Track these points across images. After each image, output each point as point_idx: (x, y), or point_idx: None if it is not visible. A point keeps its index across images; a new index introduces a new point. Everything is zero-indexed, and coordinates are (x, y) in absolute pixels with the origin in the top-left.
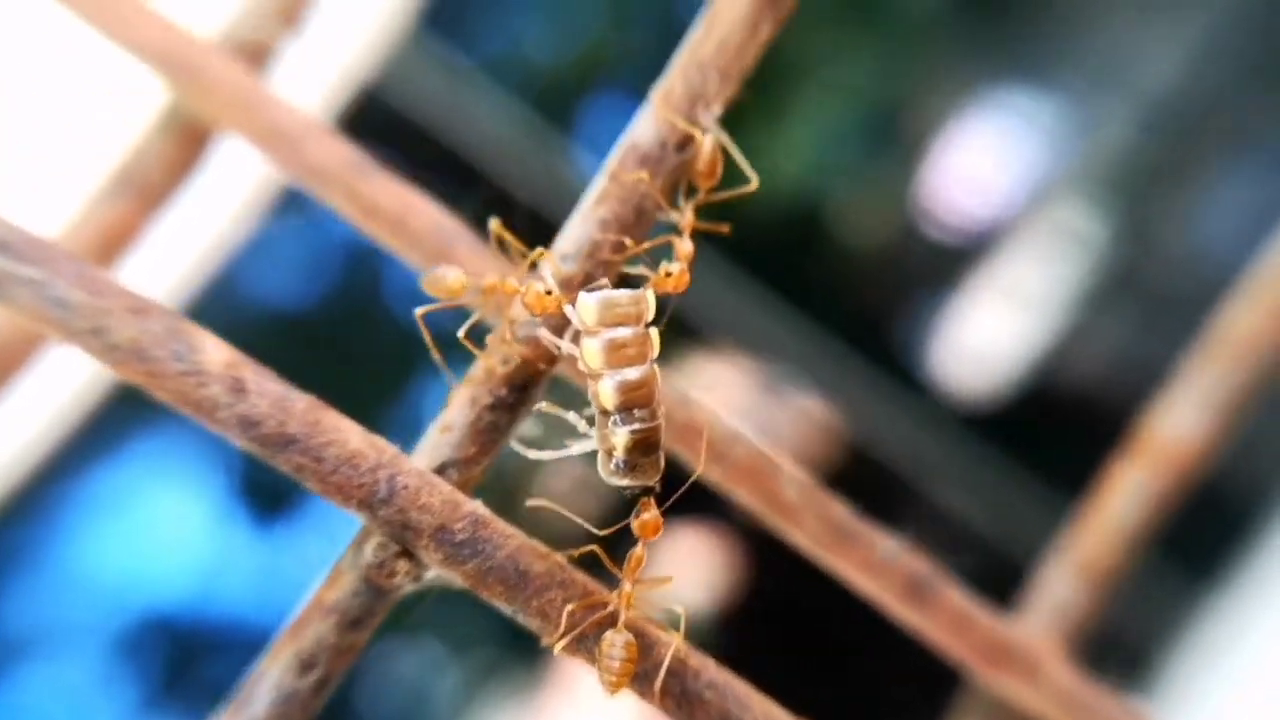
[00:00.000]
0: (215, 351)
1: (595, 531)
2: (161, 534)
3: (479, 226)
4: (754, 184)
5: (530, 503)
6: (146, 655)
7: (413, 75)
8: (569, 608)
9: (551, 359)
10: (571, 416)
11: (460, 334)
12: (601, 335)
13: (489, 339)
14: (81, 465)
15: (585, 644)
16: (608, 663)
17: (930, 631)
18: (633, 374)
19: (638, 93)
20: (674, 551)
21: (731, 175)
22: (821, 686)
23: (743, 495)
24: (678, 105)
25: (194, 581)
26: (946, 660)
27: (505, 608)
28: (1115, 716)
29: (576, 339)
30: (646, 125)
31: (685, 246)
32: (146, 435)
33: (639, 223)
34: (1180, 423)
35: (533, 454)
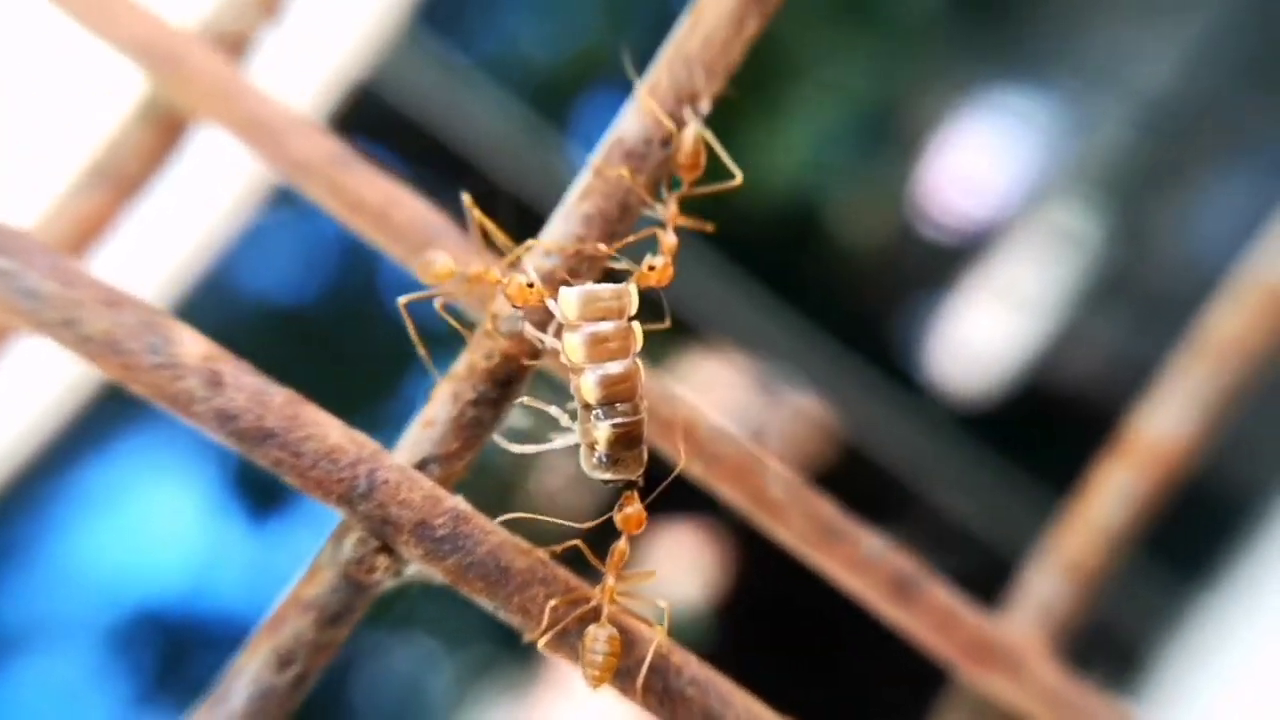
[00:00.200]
0: (191, 344)
1: (577, 527)
2: (154, 529)
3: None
4: (738, 179)
5: (503, 518)
6: (139, 650)
7: (409, 72)
8: (551, 603)
9: (535, 354)
10: (554, 410)
11: (438, 306)
12: (583, 329)
13: (473, 335)
14: (74, 459)
15: (568, 640)
16: (590, 657)
17: (915, 629)
18: (615, 368)
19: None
20: (663, 548)
21: (722, 172)
22: (809, 683)
23: (728, 492)
24: (663, 100)
25: (187, 577)
26: (932, 658)
27: (486, 604)
28: (1099, 714)
29: (559, 333)
30: (632, 121)
31: (669, 240)
32: (139, 429)
33: (623, 218)
34: (1166, 423)
35: (515, 448)
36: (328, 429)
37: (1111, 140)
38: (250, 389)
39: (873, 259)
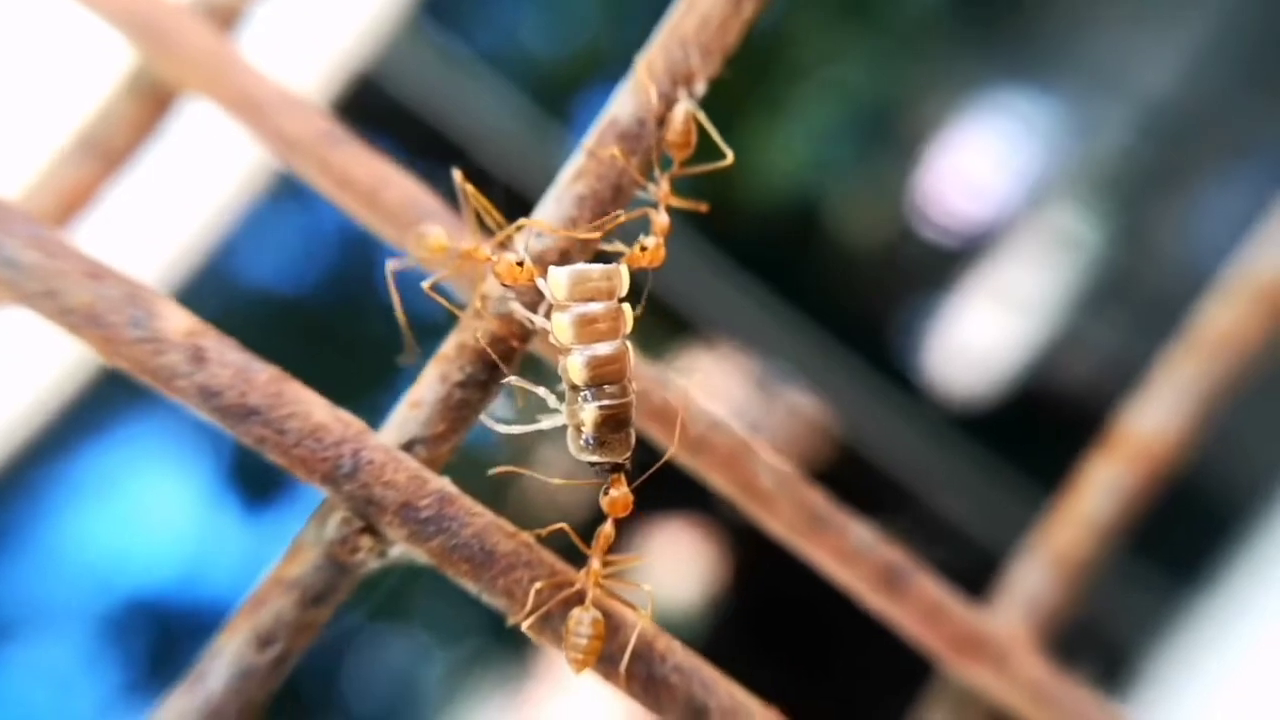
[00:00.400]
0: (175, 319)
1: (557, 482)
2: (149, 517)
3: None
4: (729, 158)
5: (493, 470)
6: (131, 638)
7: (410, 63)
8: (536, 586)
9: (524, 336)
10: (542, 391)
11: (426, 287)
12: (572, 309)
13: (462, 315)
14: (70, 445)
15: (552, 624)
16: (574, 640)
17: (902, 620)
18: (604, 349)
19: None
20: (658, 544)
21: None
22: (802, 677)
23: (719, 481)
24: (658, 81)
25: (180, 566)
26: (920, 649)
27: (471, 586)
28: (1082, 707)
29: (549, 313)
30: (626, 102)
31: (661, 219)
32: (138, 417)
33: (616, 199)
34: (1155, 420)
35: (502, 429)
36: (312, 407)
37: (1111, 144)
38: (234, 365)
39: (872, 258)
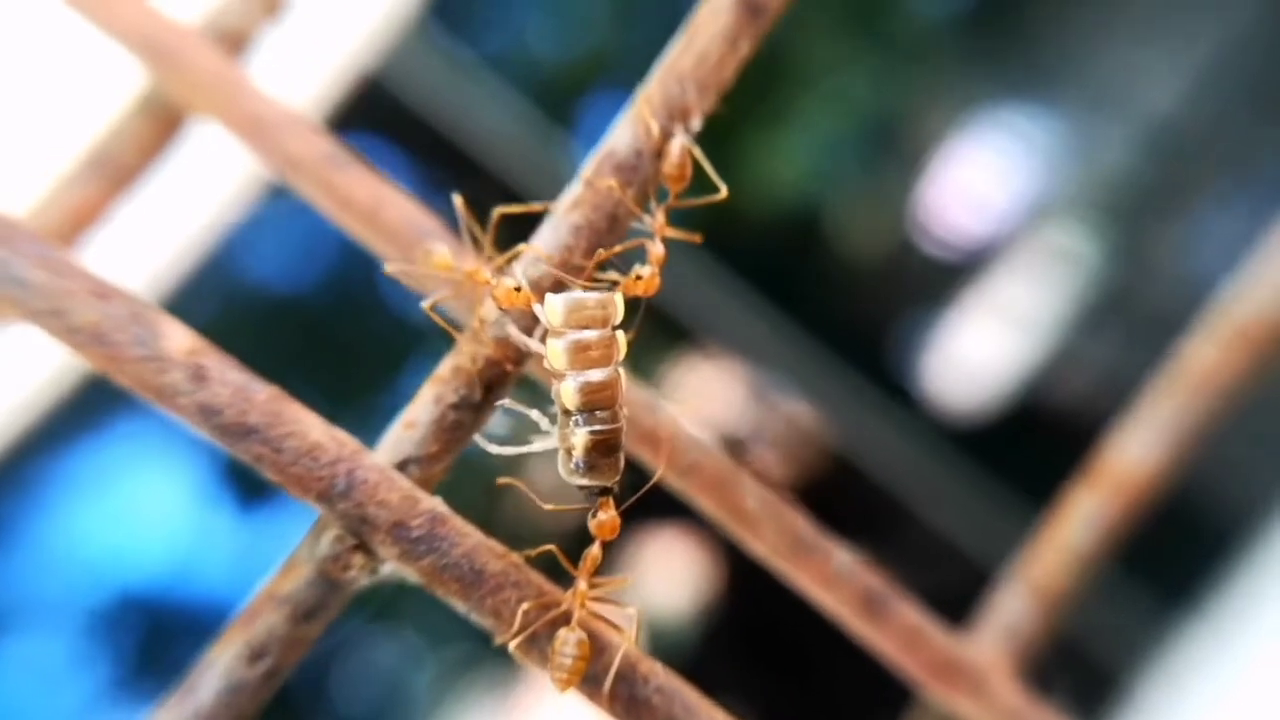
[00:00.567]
0: (178, 338)
1: (547, 508)
2: (142, 514)
3: (479, 220)
4: (723, 193)
5: (501, 481)
6: (120, 634)
7: (417, 66)
8: (524, 606)
9: (519, 360)
10: (534, 414)
11: (426, 307)
12: (567, 336)
13: (459, 336)
14: (65, 441)
15: (538, 644)
16: (560, 660)
17: (882, 645)
18: (596, 376)
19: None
20: (649, 556)
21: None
22: (790, 689)
23: (705, 503)
24: (655, 115)
25: (172, 563)
26: (899, 675)
27: (460, 605)
28: None
29: (544, 338)
30: (623, 135)
31: (657, 250)
32: (133, 414)
33: (612, 229)
34: (1136, 453)
35: (495, 449)
36: (309, 427)
37: (1113, 163)
38: (234, 384)
39: (871, 271)
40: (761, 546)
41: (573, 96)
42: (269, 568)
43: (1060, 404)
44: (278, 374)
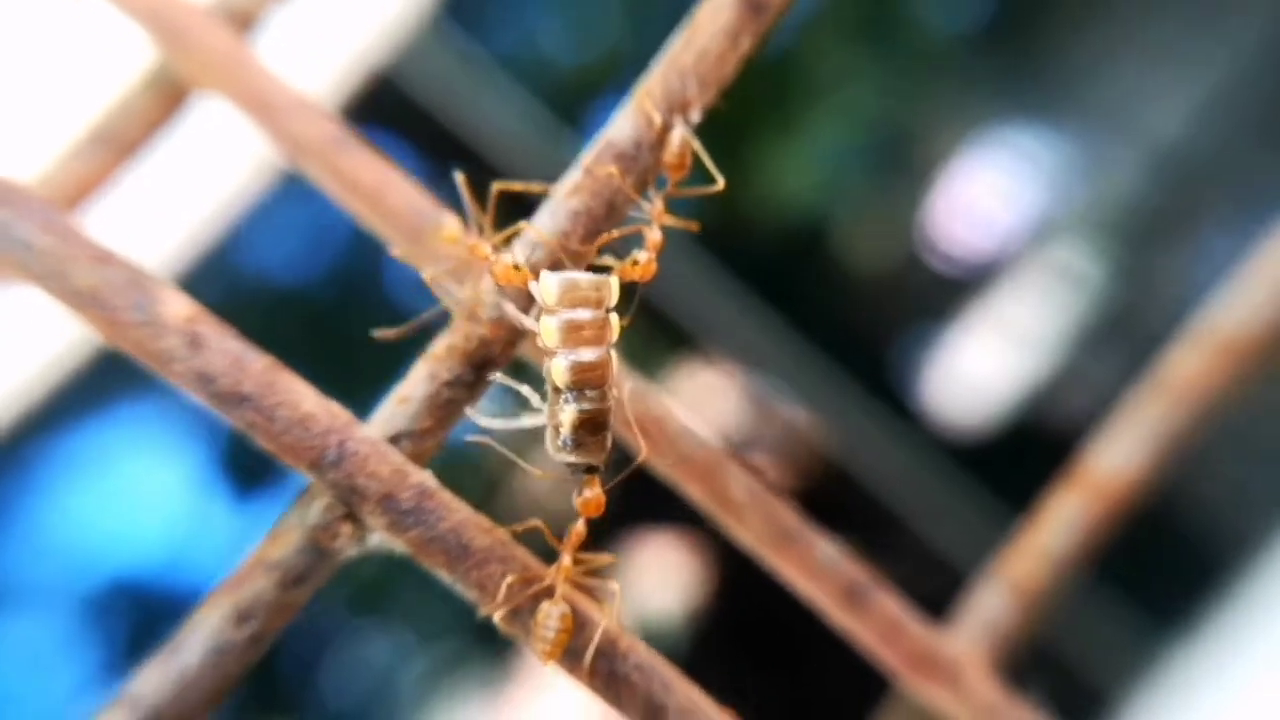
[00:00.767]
0: (176, 305)
1: (535, 474)
2: (139, 499)
3: (480, 201)
4: (720, 184)
5: (470, 438)
6: (112, 619)
7: (429, 63)
8: (508, 580)
9: (514, 341)
10: (526, 390)
11: (426, 278)
12: (561, 315)
13: (456, 312)
14: (66, 423)
15: (521, 618)
16: (542, 632)
17: (862, 636)
18: (588, 355)
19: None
20: (643, 558)
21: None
22: (777, 691)
23: (693, 491)
24: (656, 107)
25: (166, 550)
26: (878, 666)
27: (446, 577)
28: None
29: (539, 317)
30: (624, 125)
31: (654, 236)
32: (134, 399)
33: (610, 216)
34: (1117, 459)
35: (484, 422)
36: (302, 397)
37: (1118, 185)
38: (230, 353)
39: (875, 283)
40: (747, 535)
41: (584, 98)
42: None
43: (1059, 422)
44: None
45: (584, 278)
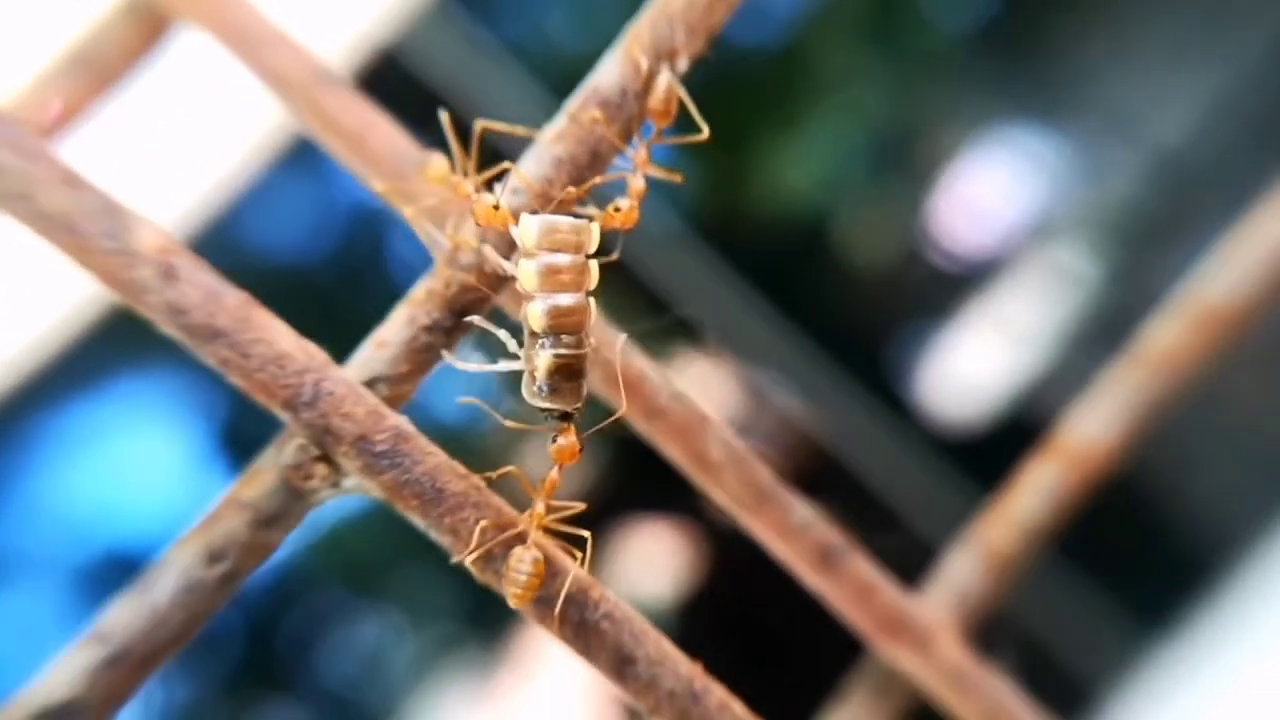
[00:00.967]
0: (149, 235)
1: (508, 424)
2: (137, 473)
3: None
4: (705, 133)
5: (448, 357)
6: (104, 592)
7: (434, 43)
8: (481, 524)
9: (493, 287)
10: (503, 334)
11: (408, 216)
12: (540, 258)
13: (437, 255)
14: (65, 396)
15: (494, 564)
16: (514, 576)
17: (835, 598)
18: (565, 300)
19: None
20: (636, 544)
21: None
22: (768, 676)
23: (671, 450)
24: (644, 53)
25: (163, 524)
26: (851, 630)
27: (419, 522)
28: (998, 696)
29: (518, 261)
30: (610, 71)
31: (637, 183)
32: (133, 374)
33: (593, 164)
34: (1092, 428)
35: (461, 365)
36: (278, 335)
37: (1118, 187)
38: (204, 286)
39: (875, 279)
40: (723, 496)
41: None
42: None
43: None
44: None
45: (564, 221)
